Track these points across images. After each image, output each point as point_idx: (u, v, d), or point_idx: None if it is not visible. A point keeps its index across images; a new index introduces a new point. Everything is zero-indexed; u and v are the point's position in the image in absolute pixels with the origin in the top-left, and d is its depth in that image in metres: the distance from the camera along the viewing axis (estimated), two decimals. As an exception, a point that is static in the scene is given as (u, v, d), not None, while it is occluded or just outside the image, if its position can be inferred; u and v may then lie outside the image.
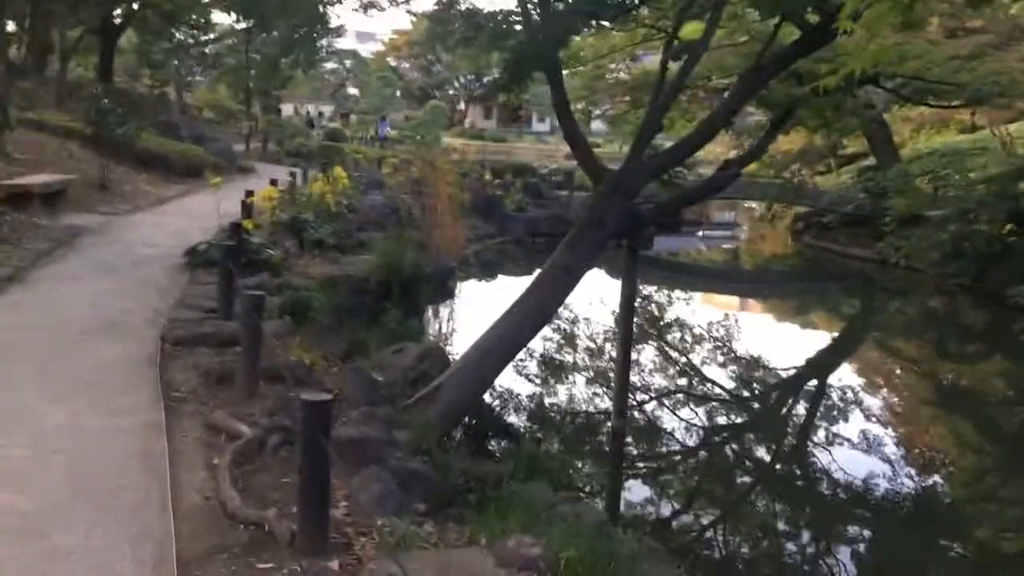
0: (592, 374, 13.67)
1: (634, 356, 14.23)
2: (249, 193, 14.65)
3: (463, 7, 8.21)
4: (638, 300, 18.85)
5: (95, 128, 16.94)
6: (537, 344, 14.34)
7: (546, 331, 15.92)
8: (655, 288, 21.89)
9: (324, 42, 38.50)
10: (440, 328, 12.95)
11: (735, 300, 22.40)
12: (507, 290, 20.51)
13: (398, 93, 75.18)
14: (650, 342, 16.30)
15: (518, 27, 7.70)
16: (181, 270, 11.39)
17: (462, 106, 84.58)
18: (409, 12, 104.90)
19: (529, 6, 7.71)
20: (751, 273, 28.19)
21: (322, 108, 65.83)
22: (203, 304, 9.60)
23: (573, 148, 8.66)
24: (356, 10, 32.29)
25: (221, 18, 35.48)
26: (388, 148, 43.81)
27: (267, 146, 32.77)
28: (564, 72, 9.17)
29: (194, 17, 32.11)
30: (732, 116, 8.43)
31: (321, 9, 30.40)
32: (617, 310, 9.49)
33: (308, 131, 40.07)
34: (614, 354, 13.84)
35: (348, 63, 69.96)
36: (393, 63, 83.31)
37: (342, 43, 61.21)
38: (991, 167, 22.77)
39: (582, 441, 9.75)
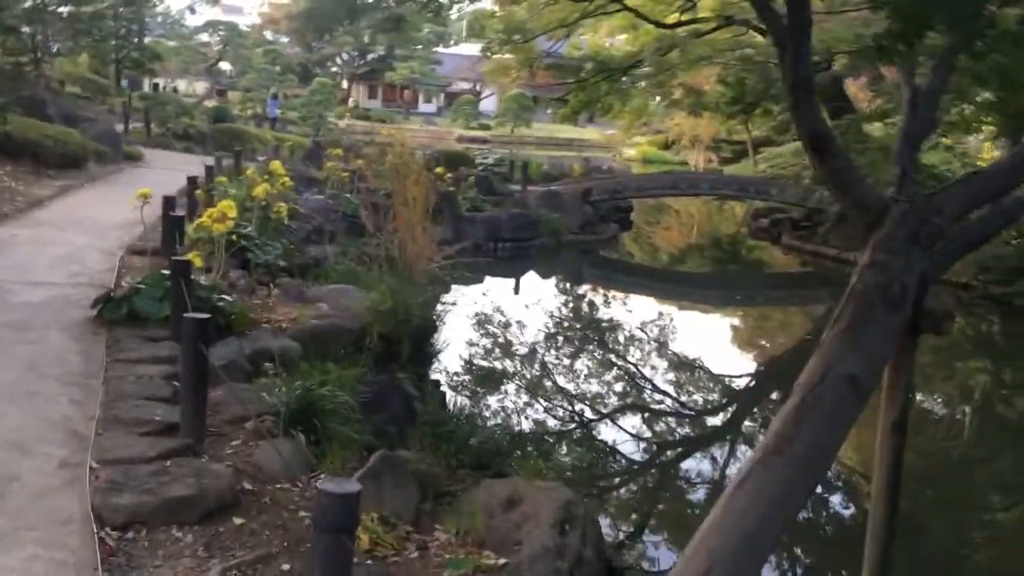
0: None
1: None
2: (168, 201, 10.41)
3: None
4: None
5: (-57, 107, 12.29)
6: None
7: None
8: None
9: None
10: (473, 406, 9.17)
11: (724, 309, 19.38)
12: (497, 309, 16.29)
13: (278, 69, 69.11)
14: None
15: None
16: (91, 331, 7.24)
17: (345, 84, 79.05)
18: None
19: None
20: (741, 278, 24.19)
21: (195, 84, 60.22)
22: (146, 412, 5.62)
23: (820, 159, 4.92)
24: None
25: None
26: (280, 129, 39.34)
27: (150, 127, 27.77)
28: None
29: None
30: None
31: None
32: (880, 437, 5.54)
33: (194, 110, 34.75)
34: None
35: (222, 35, 63.53)
36: (270, 37, 76.92)
37: (213, 14, 56.36)
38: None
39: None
